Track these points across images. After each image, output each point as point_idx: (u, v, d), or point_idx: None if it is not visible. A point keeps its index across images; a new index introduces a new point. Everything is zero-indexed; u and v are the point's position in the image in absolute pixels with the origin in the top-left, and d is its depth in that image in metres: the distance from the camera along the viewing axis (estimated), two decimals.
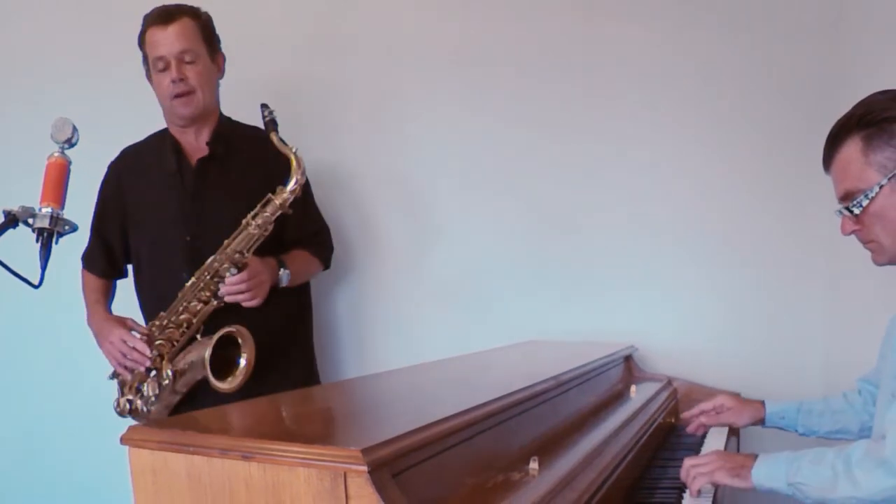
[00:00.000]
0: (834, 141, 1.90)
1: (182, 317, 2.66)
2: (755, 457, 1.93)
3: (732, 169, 3.25)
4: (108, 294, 2.98)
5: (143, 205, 2.84)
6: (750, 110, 3.21)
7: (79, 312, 2.91)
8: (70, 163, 2.07)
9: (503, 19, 3.44)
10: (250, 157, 2.83)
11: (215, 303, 2.64)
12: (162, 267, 2.79)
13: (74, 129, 2.06)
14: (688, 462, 2.05)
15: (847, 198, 1.88)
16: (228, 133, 2.87)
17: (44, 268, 2.02)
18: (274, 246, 2.75)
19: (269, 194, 2.62)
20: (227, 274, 2.59)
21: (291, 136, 2.72)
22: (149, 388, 2.68)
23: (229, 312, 2.65)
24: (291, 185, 2.61)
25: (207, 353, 2.52)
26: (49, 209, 2.02)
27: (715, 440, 2.67)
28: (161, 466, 1.32)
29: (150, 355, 2.64)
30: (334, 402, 1.90)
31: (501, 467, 1.61)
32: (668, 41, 3.29)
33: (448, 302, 3.55)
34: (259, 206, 2.62)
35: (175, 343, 2.68)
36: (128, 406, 2.72)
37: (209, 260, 2.61)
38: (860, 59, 2.97)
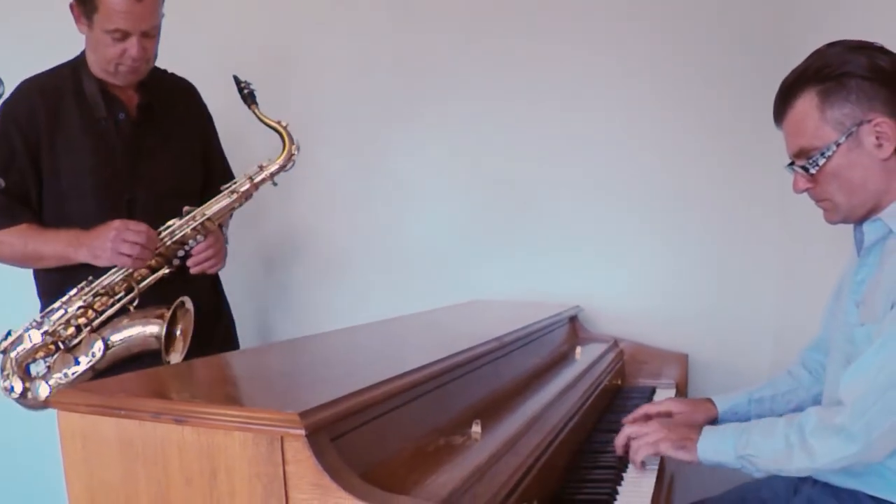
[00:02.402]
0: (787, 94, 1.88)
1: (121, 284, 2.48)
2: (700, 428, 1.93)
3: (682, 128, 3.28)
4: None
5: (65, 152, 2.54)
6: (701, 71, 3.24)
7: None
8: None
9: None
10: (182, 110, 2.76)
11: (166, 270, 2.54)
12: (99, 224, 2.47)
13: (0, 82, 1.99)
14: (628, 430, 2.05)
15: (801, 155, 1.87)
16: (158, 82, 2.70)
17: None
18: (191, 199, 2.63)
19: (259, 165, 2.58)
20: (192, 242, 2.54)
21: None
22: (58, 366, 2.44)
23: (168, 281, 2.55)
24: (282, 159, 2.58)
25: (163, 329, 2.44)
26: None
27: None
28: (91, 430, 1.32)
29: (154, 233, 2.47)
30: (271, 364, 1.89)
31: (443, 431, 1.62)
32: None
33: (389, 262, 3.57)
34: (244, 177, 2.58)
35: (98, 312, 2.48)
36: (20, 391, 2.44)
37: (175, 225, 2.52)
38: (812, 17, 2.99)
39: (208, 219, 2.54)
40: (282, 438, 1.17)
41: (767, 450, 1.80)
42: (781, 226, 3.19)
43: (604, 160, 3.35)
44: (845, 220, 1.92)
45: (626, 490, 1.92)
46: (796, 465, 1.77)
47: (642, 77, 3.30)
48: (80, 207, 2.53)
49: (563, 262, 3.42)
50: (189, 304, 2.52)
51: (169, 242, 2.51)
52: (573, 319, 3.22)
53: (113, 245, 2.39)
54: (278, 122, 2.58)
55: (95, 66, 2.55)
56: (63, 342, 2.45)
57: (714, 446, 1.88)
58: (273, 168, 2.58)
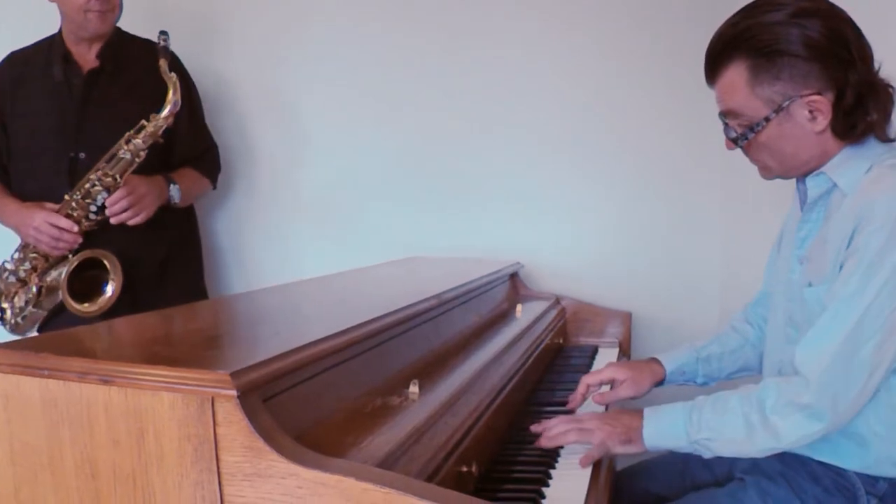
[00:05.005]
0: (716, 60, 1.85)
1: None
2: (641, 414, 1.87)
3: (625, 83, 3.30)
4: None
5: (25, 115, 2.85)
6: (643, 23, 3.26)
7: None
8: None
9: None
10: (141, 72, 2.87)
11: (86, 224, 2.71)
12: (42, 181, 2.82)
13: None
14: (564, 426, 1.92)
15: (730, 114, 1.86)
16: (120, 46, 2.93)
17: None
18: (161, 166, 2.85)
19: (143, 121, 2.67)
20: (99, 197, 2.66)
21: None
22: (20, 299, 2.78)
23: (117, 234, 2.73)
24: (165, 112, 2.67)
25: (65, 273, 2.66)
26: None
27: (606, 361, 2.67)
28: (13, 391, 1.30)
29: (77, 231, 2.69)
30: (202, 322, 1.88)
31: (380, 391, 1.63)
32: None
33: (326, 218, 3.56)
34: (132, 131, 2.67)
35: (48, 259, 2.77)
36: None
37: (83, 180, 2.68)
38: None
39: (108, 175, 2.67)
40: (212, 399, 1.16)
41: (725, 430, 1.75)
42: (725, 181, 3.23)
43: (544, 113, 3.36)
44: (781, 177, 1.93)
45: (568, 452, 1.91)
46: (760, 446, 1.73)
47: (584, 30, 3.31)
48: (31, 164, 2.85)
49: (504, 218, 3.43)
50: (113, 260, 2.71)
51: (79, 197, 2.69)
52: (514, 276, 3.24)
53: (33, 234, 2.72)
54: (172, 77, 2.68)
55: (67, 28, 2.83)
56: (21, 280, 2.79)
57: (662, 432, 1.83)
58: (159, 122, 2.68)
